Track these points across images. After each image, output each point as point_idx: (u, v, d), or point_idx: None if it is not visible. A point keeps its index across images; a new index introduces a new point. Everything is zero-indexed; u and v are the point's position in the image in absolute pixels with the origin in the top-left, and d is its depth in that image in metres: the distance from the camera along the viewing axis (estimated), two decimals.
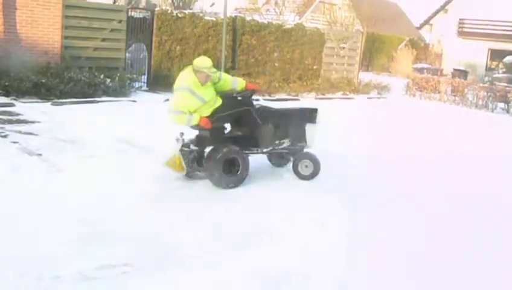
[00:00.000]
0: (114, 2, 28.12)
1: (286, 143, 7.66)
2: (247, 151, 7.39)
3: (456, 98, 20.26)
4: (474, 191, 7.90)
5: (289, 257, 5.07)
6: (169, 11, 15.70)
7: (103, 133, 9.13)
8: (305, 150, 7.77)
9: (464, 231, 6.21)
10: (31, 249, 4.72)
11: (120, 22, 14.02)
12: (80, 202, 6.00)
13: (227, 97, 7.40)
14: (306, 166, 7.64)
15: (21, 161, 7.08)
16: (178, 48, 15.40)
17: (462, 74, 28.80)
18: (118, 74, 13.39)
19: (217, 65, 15.58)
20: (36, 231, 5.14)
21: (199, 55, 15.73)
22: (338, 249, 5.39)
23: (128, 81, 13.81)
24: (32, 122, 9.60)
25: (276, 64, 17.73)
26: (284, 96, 16.56)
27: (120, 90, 13.17)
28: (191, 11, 18.20)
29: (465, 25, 34.92)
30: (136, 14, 15.81)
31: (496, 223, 6.61)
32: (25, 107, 10.74)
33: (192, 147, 7.35)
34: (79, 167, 7.11)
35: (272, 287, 4.49)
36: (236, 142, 7.37)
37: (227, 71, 15.62)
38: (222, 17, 15.95)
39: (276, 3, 28.16)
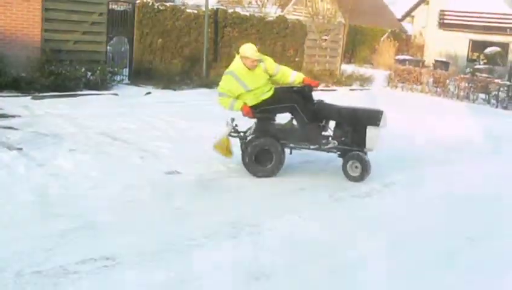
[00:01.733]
0: None
1: (332, 143, 7.52)
2: (292, 146, 7.59)
3: (438, 89, 20.37)
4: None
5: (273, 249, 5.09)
6: (150, 4, 15.61)
7: (84, 127, 9.08)
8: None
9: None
10: (11, 245, 4.67)
11: (101, 14, 13.90)
12: (60, 196, 5.97)
13: (278, 91, 7.56)
14: (356, 167, 7.44)
15: (0, 156, 7.01)
16: (160, 40, 15.35)
17: (443, 65, 28.92)
18: (99, 67, 13.29)
19: (198, 58, 15.62)
20: (16, 226, 5.10)
21: (181, 48, 15.80)
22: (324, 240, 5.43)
23: (110, 75, 13.73)
24: (13, 116, 9.51)
25: None
26: None
27: (101, 84, 13.09)
28: (172, 3, 18.11)
29: (446, 17, 35.04)
30: (117, 6, 15.71)
31: None
32: (5, 102, 10.62)
33: (243, 134, 7.66)
34: (60, 161, 7.04)
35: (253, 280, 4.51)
36: (283, 135, 7.50)
37: (209, 64, 15.64)
38: (204, 9, 15.90)
39: None
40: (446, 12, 34.96)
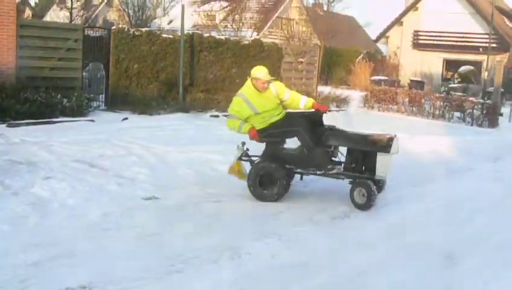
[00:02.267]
0: (71, 21, 27.87)
1: (337, 169, 7.42)
2: (299, 171, 7.61)
3: (414, 108, 20.58)
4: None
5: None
6: (126, 30, 15.65)
7: (60, 154, 8.97)
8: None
9: None
10: None
11: (76, 41, 13.88)
12: (37, 225, 5.88)
13: (286, 115, 7.63)
14: (363, 195, 7.20)
15: None
16: (136, 66, 15.33)
17: (418, 84, 29.31)
18: (75, 94, 13.24)
19: (175, 82, 15.63)
20: None
21: (157, 72, 15.79)
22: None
23: (86, 101, 13.67)
24: None
25: (236, 80, 17.73)
26: None
27: (78, 110, 13.02)
28: (148, 28, 18.13)
29: (420, 37, 35.62)
30: (92, 32, 15.69)
31: None
32: None
33: (254, 158, 7.71)
34: (36, 190, 6.95)
35: None
36: (290, 160, 7.53)
37: (185, 88, 15.66)
38: (180, 34, 15.95)
39: (233, 19, 28.27)
40: (420, 33, 35.57)
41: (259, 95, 7.41)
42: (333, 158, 7.61)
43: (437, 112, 19.88)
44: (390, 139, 7.24)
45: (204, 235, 5.95)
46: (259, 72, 7.46)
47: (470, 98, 21.34)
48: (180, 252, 5.39)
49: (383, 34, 38.62)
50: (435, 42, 34.70)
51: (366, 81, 27.37)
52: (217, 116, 15.29)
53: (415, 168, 10.14)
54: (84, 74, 14.63)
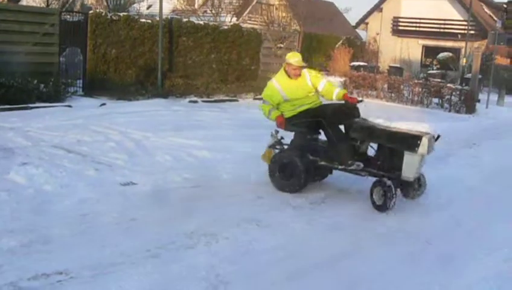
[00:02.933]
0: (47, 6, 27.50)
1: (355, 166, 6.97)
2: (323, 163, 7.25)
3: (393, 94, 20.68)
4: None
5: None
6: (103, 14, 15.45)
7: (37, 140, 8.88)
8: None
9: None
10: None
11: (53, 25, 13.69)
12: (12, 211, 5.82)
13: (316, 105, 7.39)
14: (382, 195, 6.67)
15: None
16: (114, 51, 15.16)
17: (397, 70, 29.40)
18: (52, 79, 13.08)
19: (153, 68, 15.51)
20: None
21: (135, 58, 15.65)
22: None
23: (63, 86, 13.52)
24: None
25: (214, 66, 17.67)
26: (222, 97, 16.55)
27: (55, 96, 12.88)
28: (126, 13, 17.94)
29: (399, 23, 35.70)
30: (69, 17, 15.51)
31: None
32: None
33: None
34: (12, 176, 6.87)
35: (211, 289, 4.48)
36: (313, 151, 7.30)
37: (164, 73, 15.55)
38: (158, 19, 15.81)
39: (212, 4, 28.10)
40: (399, 19, 35.68)
41: (291, 81, 7.27)
42: (361, 153, 7.23)
43: (416, 98, 20.01)
44: (419, 138, 6.58)
45: (181, 221, 5.94)
46: (292, 57, 7.28)
47: (448, 85, 21.52)
48: (156, 237, 5.39)
49: (362, 20, 38.65)
50: (414, 29, 34.82)
51: (346, 67, 27.38)
52: (195, 101, 15.24)
53: None
54: (61, 59, 14.45)
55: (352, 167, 7.00)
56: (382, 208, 6.67)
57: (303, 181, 7.16)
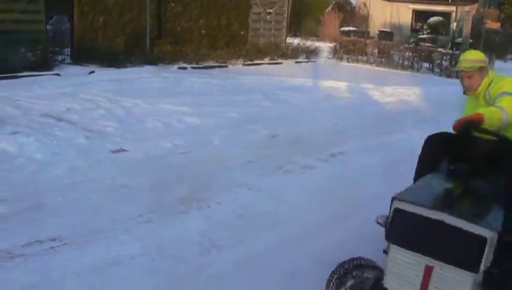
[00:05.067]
0: None
1: None
2: None
3: (383, 59, 20.65)
4: None
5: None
6: None
7: (27, 109, 8.82)
8: None
9: None
10: None
11: None
12: (3, 179, 5.82)
13: None
14: None
15: None
16: (101, 18, 14.97)
17: (387, 35, 29.28)
18: (40, 47, 12.93)
19: (142, 35, 15.36)
20: None
21: (123, 25, 15.47)
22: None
23: (51, 55, 13.38)
24: None
25: (203, 32, 17.52)
26: (211, 63, 16.45)
27: (42, 64, 12.73)
28: None
29: None
30: None
31: None
32: None
33: None
34: (2, 145, 6.84)
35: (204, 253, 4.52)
36: None
37: (152, 40, 15.42)
38: None
39: None
40: None
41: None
42: None
43: (406, 63, 20.00)
44: None
45: (172, 187, 5.97)
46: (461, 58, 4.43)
47: (439, 49, 21.48)
48: (148, 203, 5.42)
49: None
50: None
51: (336, 32, 27.27)
52: (184, 68, 15.14)
53: (381, 118, 10.25)
54: (48, 27, 14.26)
55: None
56: None
57: None
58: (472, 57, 4.34)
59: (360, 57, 21.17)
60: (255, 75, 14.75)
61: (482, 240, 2.90)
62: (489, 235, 2.91)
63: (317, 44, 23.01)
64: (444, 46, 25.74)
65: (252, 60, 17.99)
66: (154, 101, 9.87)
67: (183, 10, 16.91)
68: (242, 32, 19.02)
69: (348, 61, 21.06)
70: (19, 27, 12.97)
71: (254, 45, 19.08)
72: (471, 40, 22.96)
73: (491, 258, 2.95)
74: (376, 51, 21.22)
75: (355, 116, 10.47)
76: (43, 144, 7.01)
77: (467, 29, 21.51)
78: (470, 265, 2.92)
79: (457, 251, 2.96)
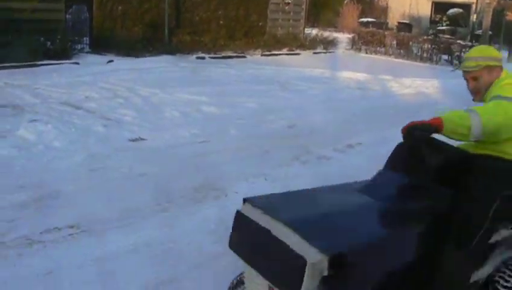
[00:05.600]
0: None
1: None
2: None
3: (401, 51, 20.51)
4: None
5: None
6: None
7: (46, 97, 8.91)
8: None
9: None
10: None
11: None
12: (22, 167, 5.88)
13: None
14: None
15: None
16: (120, 7, 15.03)
17: (406, 27, 29.08)
18: (59, 36, 13.01)
19: (160, 24, 15.39)
20: None
21: (142, 14, 15.52)
22: None
23: (70, 43, 13.46)
24: None
25: (221, 22, 17.51)
26: (229, 53, 16.44)
27: (62, 53, 12.82)
28: None
29: None
30: None
31: None
32: None
33: None
34: (21, 132, 6.90)
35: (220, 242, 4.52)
36: None
37: (171, 30, 15.44)
38: None
39: None
40: None
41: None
42: None
43: (424, 55, 19.85)
44: None
45: (190, 176, 5.98)
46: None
47: (458, 41, 21.28)
48: (166, 192, 5.43)
49: None
50: None
51: (354, 24, 27.15)
52: (203, 58, 15.16)
53: (399, 110, 10.17)
54: (67, 16, 14.35)
55: None
56: None
57: None
58: (477, 53, 3.51)
59: (378, 48, 21.05)
60: (273, 65, 14.73)
61: (302, 264, 2.31)
62: (313, 258, 2.30)
63: (335, 35, 22.91)
64: (463, 38, 25.51)
65: (270, 51, 17.96)
66: (172, 91, 9.89)
67: (202, 0, 16.92)
68: (260, 23, 18.99)
69: (366, 53, 20.94)
70: (38, 16, 13.09)
71: (272, 35, 19.04)
72: (490, 32, 22.71)
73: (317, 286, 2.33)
74: (395, 42, 21.08)
75: (373, 107, 10.42)
76: (62, 132, 7.07)
77: (487, 21, 21.27)
78: None
79: (283, 272, 2.43)
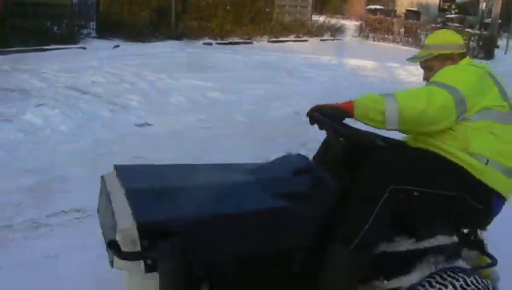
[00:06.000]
0: None
1: None
2: None
3: (409, 39, 20.41)
4: None
5: None
6: None
7: (52, 82, 8.90)
8: None
9: None
10: None
11: None
12: (29, 151, 5.89)
13: None
14: None
15: None
16: None
17: (415, 14, 28.94)
18: (65, 21, 12.99)
19: (167, 9, 15.34)
20: None
21: None
22: None
23: (77, 28, 13.44)
24: None
25: (228, 7, 17.44)
26: (236, 39, 16.39)
27: (68, 38, 12.80)
28: None
29: None
30: None
31: None
32: None
33: None
34: (28, 116, 6.91)
35: None
36: None
37: (178, 15, 15.39)
38: None
39: None
40: None
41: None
42: None
43: None
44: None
45: (196, 161, 5.91)
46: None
47: (467, 29, 21.15)
48: None
49: None
50: None
51: (362, 11, 27.03)
52: (209, 43, 15.13)
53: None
54: (74, 0, 14.31)
55: None
56: None
57: None
58: (430, 41, 3.17)
59: (386, 35, 20.98)
60: (280, 52, 14.70)
61: (115, 230, 2.14)
62: (123, 224, 2.10)
63: (342, 22, 22.82)
64: (472, 27, 25.37)
65: (277, 37, 17.91)
66: (179, 76, 9.88)
67: None
68: (267, 9, 18.92)
69: (374, 40, 20.86)
70: (45, 0, 13.04)
71: (279, 21, 18.97)
72: (500, 21, 22.57)
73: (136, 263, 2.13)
74: (403, 30, 20.99)
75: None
76: (68, 116, 7.07)
77: (496, 9, 21.12)
78: None
79: (109, 239, 2.17)
